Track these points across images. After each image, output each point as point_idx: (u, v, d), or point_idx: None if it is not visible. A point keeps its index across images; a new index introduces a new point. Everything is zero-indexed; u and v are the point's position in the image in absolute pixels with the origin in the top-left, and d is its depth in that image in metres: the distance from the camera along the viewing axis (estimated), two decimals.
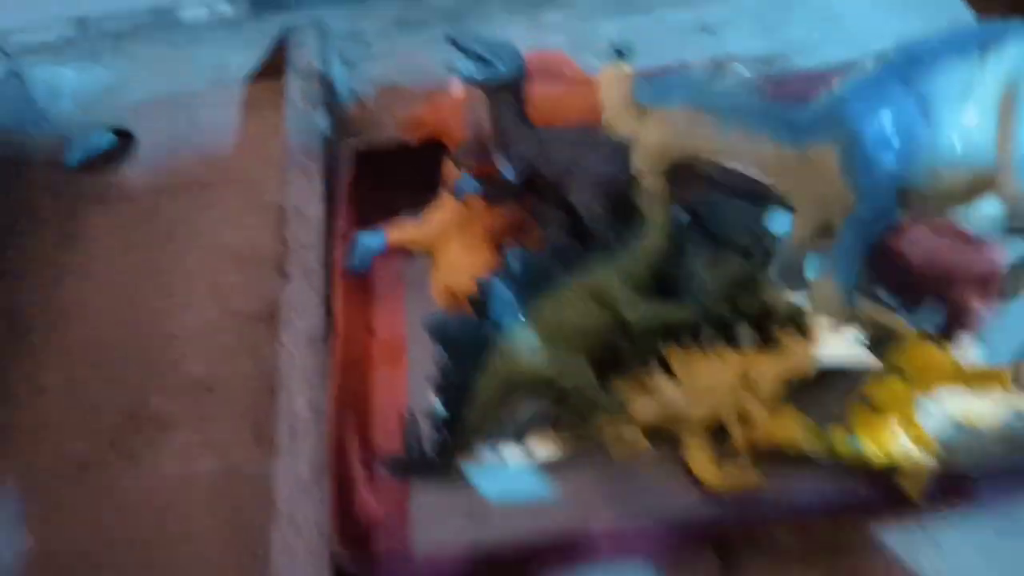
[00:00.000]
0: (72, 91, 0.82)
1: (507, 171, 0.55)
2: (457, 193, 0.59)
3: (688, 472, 0.51)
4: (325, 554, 0.48)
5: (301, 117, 0.71)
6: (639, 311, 0.50)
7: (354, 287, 0.61)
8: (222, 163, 0.76)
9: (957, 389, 0.50)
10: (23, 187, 0.76)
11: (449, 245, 0.60)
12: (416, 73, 0.81)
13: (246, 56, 0.82)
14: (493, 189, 0.57)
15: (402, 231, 0.62)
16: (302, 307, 0.59)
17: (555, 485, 0.53)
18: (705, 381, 0.51)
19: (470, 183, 0.60)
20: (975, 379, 0.50)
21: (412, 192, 0.68)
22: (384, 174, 0.68)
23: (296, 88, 0.73)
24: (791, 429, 0.50)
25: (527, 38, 0.82)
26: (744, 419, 0.51)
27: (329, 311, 0.59)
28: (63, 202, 0.75)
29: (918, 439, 0.48)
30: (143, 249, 0.71)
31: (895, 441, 0.49)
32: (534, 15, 0.83)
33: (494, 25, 0.82)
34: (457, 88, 0.63)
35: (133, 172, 0.77)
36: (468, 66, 0.54)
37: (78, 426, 0.61)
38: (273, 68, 0.80)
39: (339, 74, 0.80)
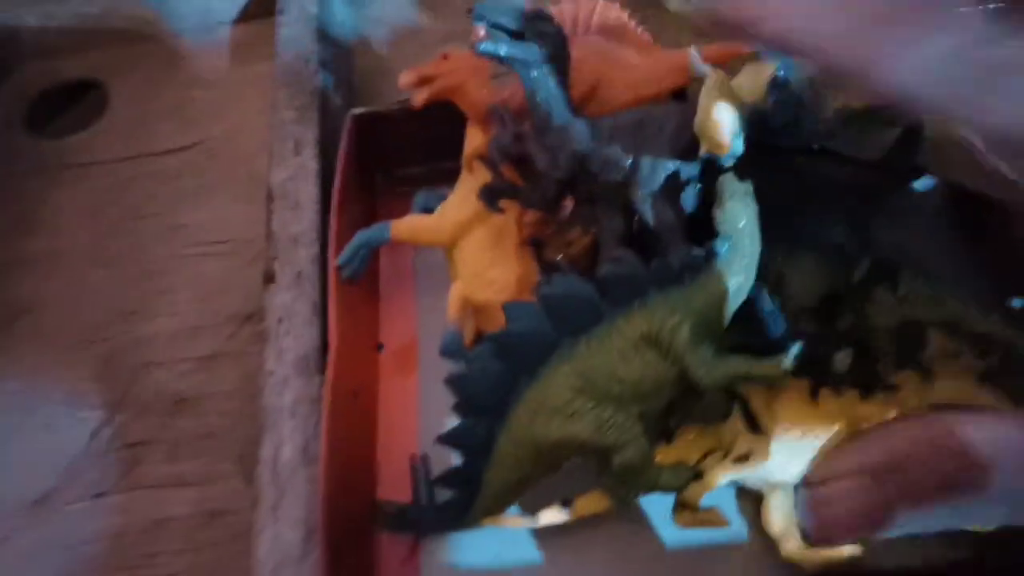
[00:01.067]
0: (34, 35, 0.70)
1: (548, 166, 0.42)
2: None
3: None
4: None
5: (292, 72, 0.59)
6: (714, 373, 0.37)
7: (353, 288, 0.50)
8: (203, 126, 0.64)
9: None
10: None
11: (470, 246, 0.48)
12: (439, 10, 0.69)
13: None
14: (530, 189, 0.44)
15: (412, 225, 0.50)
16: (290, 321, 0.48)
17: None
18: (800, 434, 0.39)
19: (431, 197, 0.49)
20: None
21: (427, 168, 0.58)
22: (392, 146, 0.57)
23: (286, 38, 0.61)
24: None
25: None
26: None
27: (325, 321, 0.48)
28: (20, 175, 0.64)
29: None
30: (114, 233, 0.60)
31: None
32: None
33: None
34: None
35: (101, 135, 0.65)
36: (495, 42, 0.41)
37: (38, 453, 0.52)
38: (264, 8, 0.68)
39: (341, 15, 0.68)
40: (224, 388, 0.53)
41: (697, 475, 0.40)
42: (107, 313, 0.57)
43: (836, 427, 0.39)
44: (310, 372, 0.46)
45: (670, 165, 0.39)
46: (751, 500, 0.43)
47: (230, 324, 0.55)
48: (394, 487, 0.46)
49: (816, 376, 0.40)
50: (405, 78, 0.49)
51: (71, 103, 0.70)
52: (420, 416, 0.49)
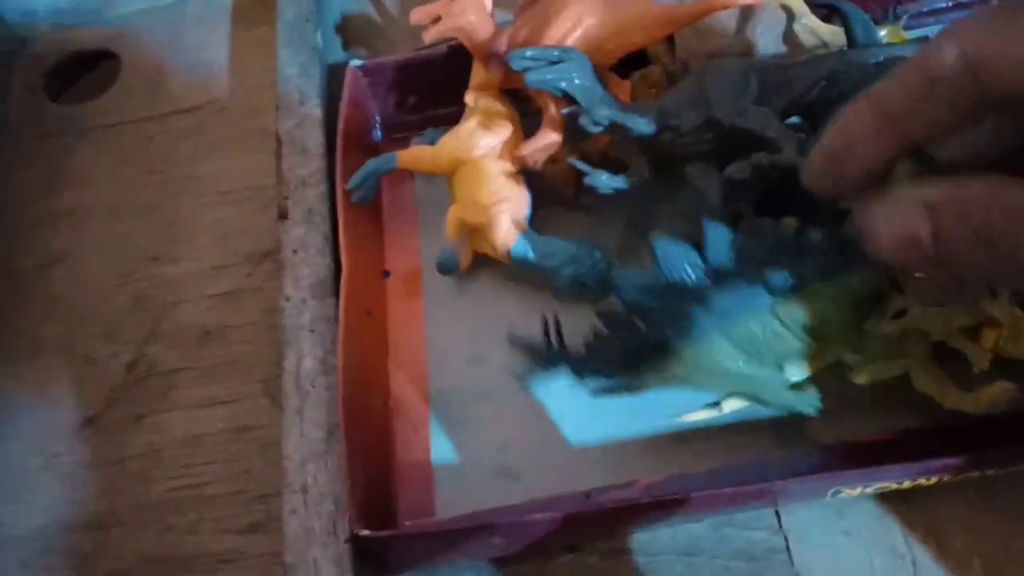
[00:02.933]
0: (48, 10, 0.75)
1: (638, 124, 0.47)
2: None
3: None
4: (343, 528, 0.44)
5: (294, 31, 0.64)
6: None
7: (360, 221, 0.55)
8: (213, 86, 0.69)
9: None
10: (1, 122, 0.70)
11: (468, 173, 0.53)
12: None
13: None
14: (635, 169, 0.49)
15: (416, 155, 0.55)
16: (305, 253, 0.53)
17: None
18: None
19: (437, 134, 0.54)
20: None
21: (422, 116, 0.63)
22: (388, 95, 0.61)
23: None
24: None
25: None
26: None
27: (337, 251, 0.53)
28: (46, 137, 0.69)
29: None
30: (134, 187, 0.65)
31: None
32: None
33: None
34: None
35: (119, 99, 0.70)
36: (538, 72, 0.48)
37: (78, 384, 0.57)
38: None
39: None
40: (246, 320, 0.58)
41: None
42: (134, 259, 0.62)
43: None
44: (325, 295, 0.52)
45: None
46: None
47: (248, 263, 0.60)
48: (405, 392, 0.52)
49: None
50: (416, 16, 0.54)
51: (85, 72, 0.75)
52: (426, 333, 0.54)
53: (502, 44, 0.53)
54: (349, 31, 0.71)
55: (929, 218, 0.24)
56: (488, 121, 0.53)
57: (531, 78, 0.48)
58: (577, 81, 0.48)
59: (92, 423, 0.55)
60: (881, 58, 0.45)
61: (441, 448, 0.50)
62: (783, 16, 0.54)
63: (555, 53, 0.48)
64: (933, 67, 0.24)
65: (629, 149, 0.50)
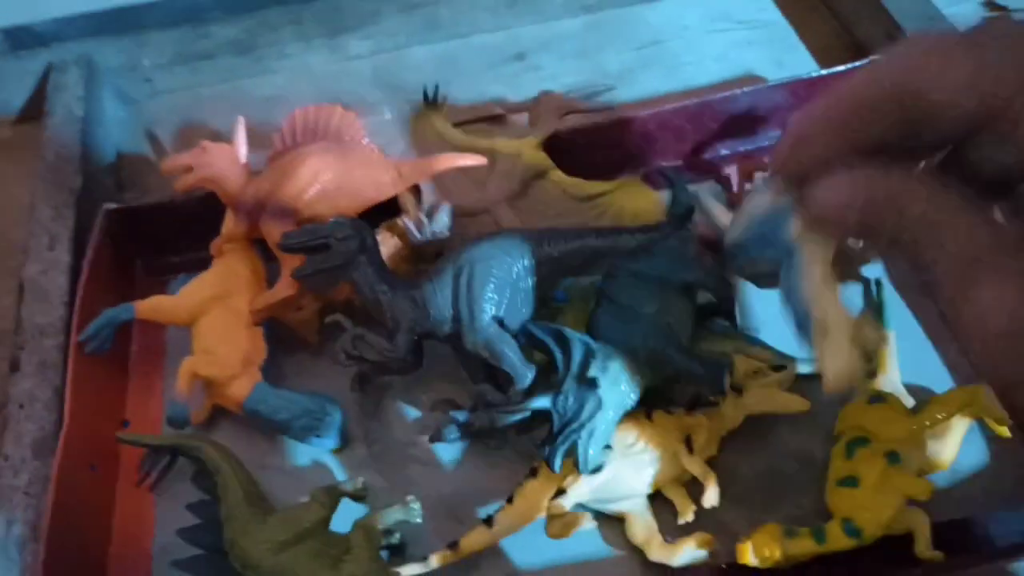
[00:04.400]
0: None
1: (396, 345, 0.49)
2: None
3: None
4: None
5: (53, 172, 0.63)
6: None
7: (97, 371, 0.54)
8: None
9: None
10: None
11: (206, 324, 0.52)
12: (210, 112, 0.74)
13: (7, 95, 0.73)
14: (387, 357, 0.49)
15: (154, 305, 0.54)
16: (31, 408, 0.51)
17: None
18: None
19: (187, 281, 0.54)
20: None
21: (185, 257, 0.62)
22: (149, 237, 0.61)
23: (52, 138, 0.65)
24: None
25: (329, 69, 0.76)
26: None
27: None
28: None
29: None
30: None
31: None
32: (335, 43, 0.76)
33: (290, 54, 0.75)
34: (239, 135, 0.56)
35: None
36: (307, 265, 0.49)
37: None
38: (36, 110, 0.72)
39: (115, 118, 0.72)
40: None
41: (560, 492, 0.46)
42: None
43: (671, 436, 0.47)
44: (46, 454, 0.50)
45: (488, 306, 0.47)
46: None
47: None
48: (128, 551, 0.49)
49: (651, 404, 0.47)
50: (167, 165, 0.55)
51: None
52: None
53: (248, 195, 0.54)
54: (123, 172, 0.70)
55: (864, 192, 0.28)
56: (227, 273, 0.53)
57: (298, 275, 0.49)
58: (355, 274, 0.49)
59: None
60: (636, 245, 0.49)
61: None
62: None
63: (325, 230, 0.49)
64: (861, 96, 0.29)
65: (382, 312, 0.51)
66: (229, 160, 0.55)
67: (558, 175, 0.59)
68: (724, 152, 0.64)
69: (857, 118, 0.29)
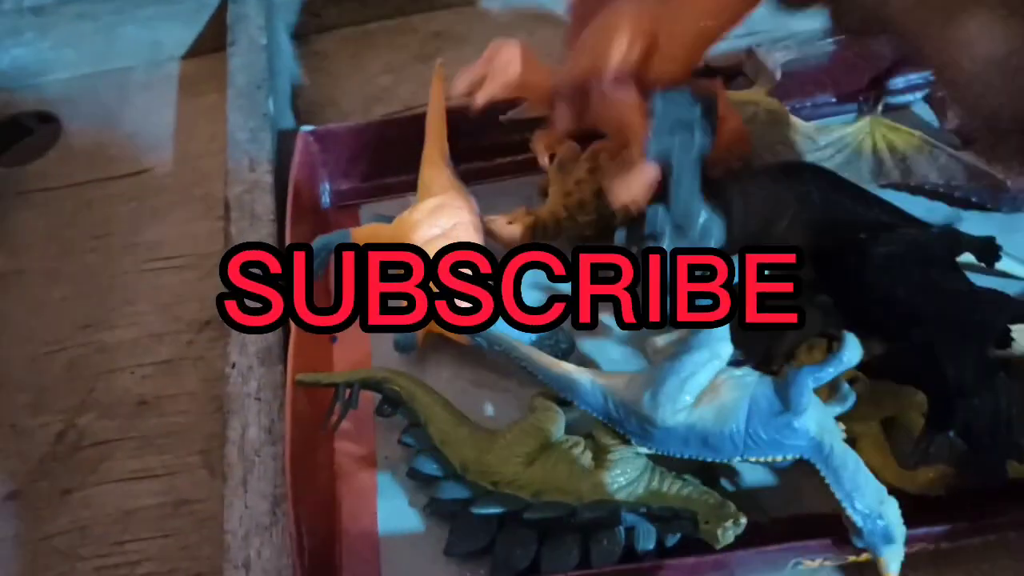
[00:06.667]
0: None
1: None
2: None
3: None
4: None
5: (245, 98, 0.63)
6: None
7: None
8: (158, 152, 0.68)
9: None
10: None
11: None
12: (378, 47, 0.74)
13: (183, 31, 0.74)
14: None
15: (372, 231, 0.54)
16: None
17: None
18: None
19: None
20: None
21: (371, 184, 0.62)
22: (337, 162, 0.61)
23: (238, 67, 0.65)
24: None
25: None
26: None
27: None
28: None
29: None
30: (73, 252, 0.63)
31: None
32: None
33: None
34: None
35: (58, 163, 0.69)
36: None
37: (3, 455, 0.54)
38: (213, 43, 0.72)
39: (287, 48, 0.73)
40: (185, 389, 0.56)
41: None
42: (68, 325, 0.59)
43: None
44: (272, 361, 0.50)
45: None
46: None
47: (189, 331, 0.58)
48: (351, 459, 0.50)
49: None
50: (460, 84, 0.50)
51: (24, 135, 0.73)
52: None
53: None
54: (299, 102, 0.71)
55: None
56: (444, 205, 0.53)
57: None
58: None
59: (17, 497, 0.52)
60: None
61: (389, 519, 0.48)
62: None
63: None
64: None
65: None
66: (523, 56, 0.49)
67: (795, 120, 0.58)
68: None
69: None
